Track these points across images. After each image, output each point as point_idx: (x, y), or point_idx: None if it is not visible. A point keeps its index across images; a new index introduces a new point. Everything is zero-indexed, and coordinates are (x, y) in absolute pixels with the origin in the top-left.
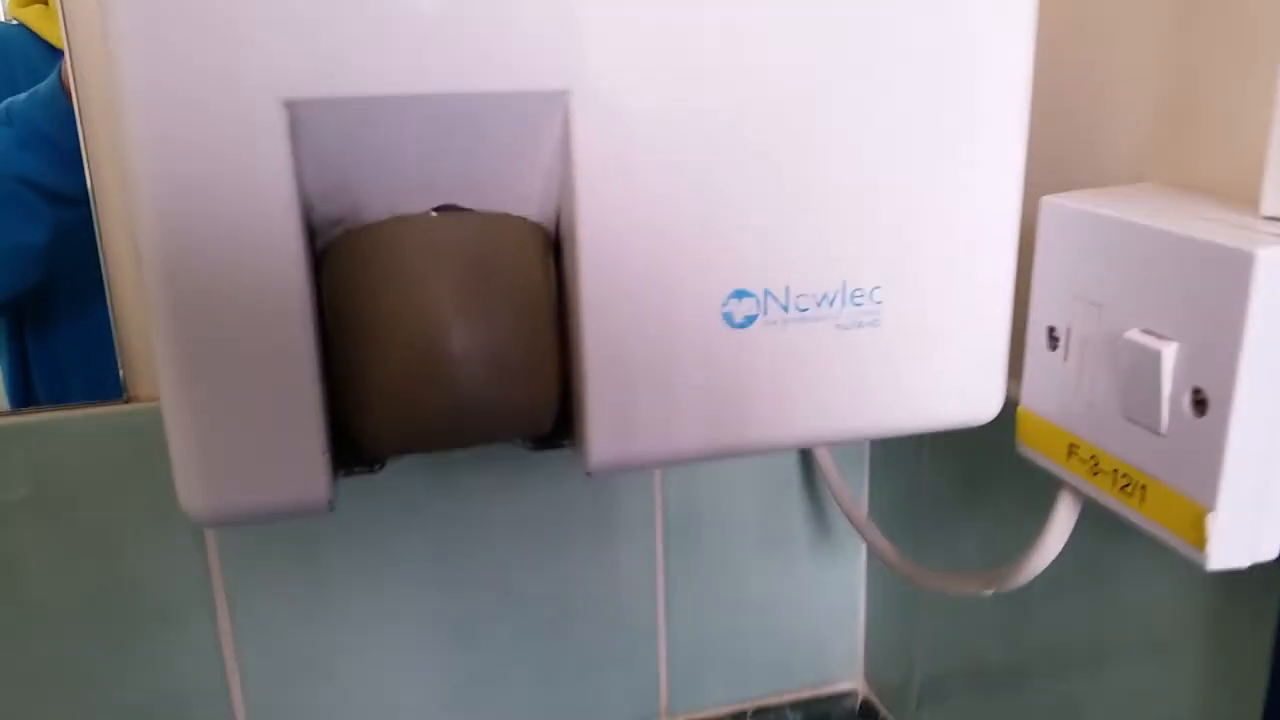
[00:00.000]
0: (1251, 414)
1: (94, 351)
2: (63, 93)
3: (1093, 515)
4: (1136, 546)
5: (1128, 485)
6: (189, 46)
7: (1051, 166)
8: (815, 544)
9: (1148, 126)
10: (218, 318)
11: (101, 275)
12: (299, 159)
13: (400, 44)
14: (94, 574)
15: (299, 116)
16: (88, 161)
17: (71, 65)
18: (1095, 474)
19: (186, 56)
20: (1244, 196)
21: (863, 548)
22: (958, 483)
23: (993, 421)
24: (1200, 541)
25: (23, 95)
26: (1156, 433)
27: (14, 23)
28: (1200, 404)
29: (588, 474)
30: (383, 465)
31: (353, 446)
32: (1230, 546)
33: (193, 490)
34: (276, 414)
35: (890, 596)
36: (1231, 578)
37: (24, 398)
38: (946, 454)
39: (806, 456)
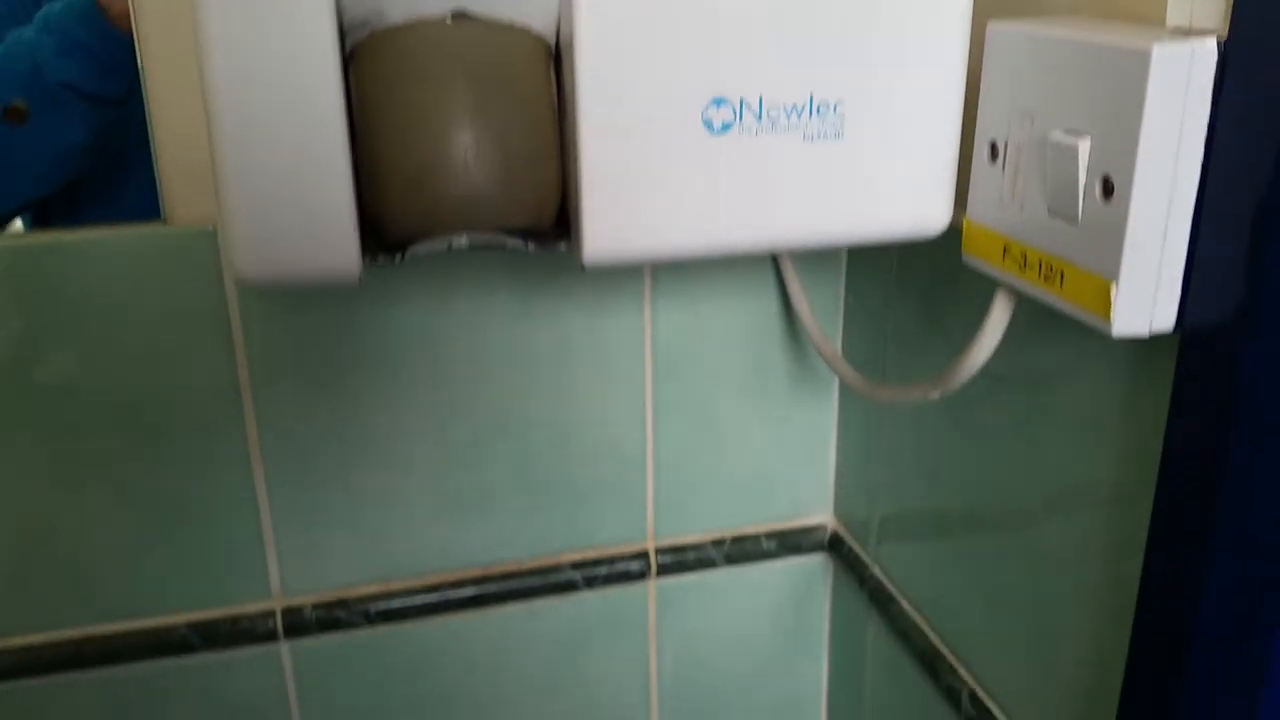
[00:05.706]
0: (1150, 194)
1: None
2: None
3: (1025, 330)
4: (1065, 350)
5: (1049, 273)
6: None
7: (1001, 6)
8: (793, 388)
9: None
10: (264, 112)
11: (128, 165)
12: None
13: None
14: (133, 386)
15: None
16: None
17: None
18: (1024, 268)
19: None
20: (1162, 21)
21: (835, 392)
22: (919, 317)
23: (948, 261)
24: (1106, 311)
25: (58, 4)
26: (1074, 222)
27: None
28: (1109, 191)
29: (583, 267)
30: (404, 257)
31: (379, 237)
32: (1131, 314)
33: (243, 257)
34: (314, 194)
35: (858, 437)
36: (1139, 354)
37: None
38: (909, 293)
39: (786, 302)
